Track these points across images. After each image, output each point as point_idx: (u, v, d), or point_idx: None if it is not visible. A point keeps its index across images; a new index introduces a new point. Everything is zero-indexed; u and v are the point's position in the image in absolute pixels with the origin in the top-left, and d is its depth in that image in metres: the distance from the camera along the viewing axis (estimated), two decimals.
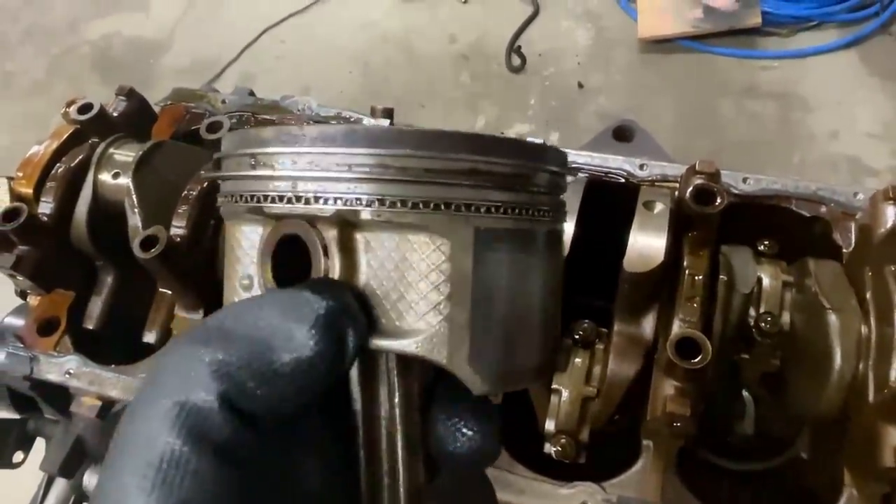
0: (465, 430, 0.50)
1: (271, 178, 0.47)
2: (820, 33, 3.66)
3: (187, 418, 0.39)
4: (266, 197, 0.47)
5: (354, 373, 0.50)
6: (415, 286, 0.46)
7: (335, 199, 0.45)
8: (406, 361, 0.49)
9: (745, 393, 1.23)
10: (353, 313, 0.45)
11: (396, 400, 0.50)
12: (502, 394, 0.70)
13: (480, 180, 0.46)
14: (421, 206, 0.45)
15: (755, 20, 3.60)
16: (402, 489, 0.50)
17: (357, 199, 0.45)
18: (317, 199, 0.46)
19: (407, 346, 0.46)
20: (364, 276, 0.47)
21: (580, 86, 3.61)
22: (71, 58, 4.28)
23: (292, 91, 4.24)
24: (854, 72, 3.57)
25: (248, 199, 0.48)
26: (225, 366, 0.40)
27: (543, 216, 0.50)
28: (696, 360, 0.85)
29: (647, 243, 0.92)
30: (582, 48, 3.78)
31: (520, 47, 3.69)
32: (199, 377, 0.40)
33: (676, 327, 0.90)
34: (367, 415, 0.50)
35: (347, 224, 0.47)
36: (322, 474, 0.49)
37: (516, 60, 3.64)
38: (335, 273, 0.47)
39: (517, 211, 0.48)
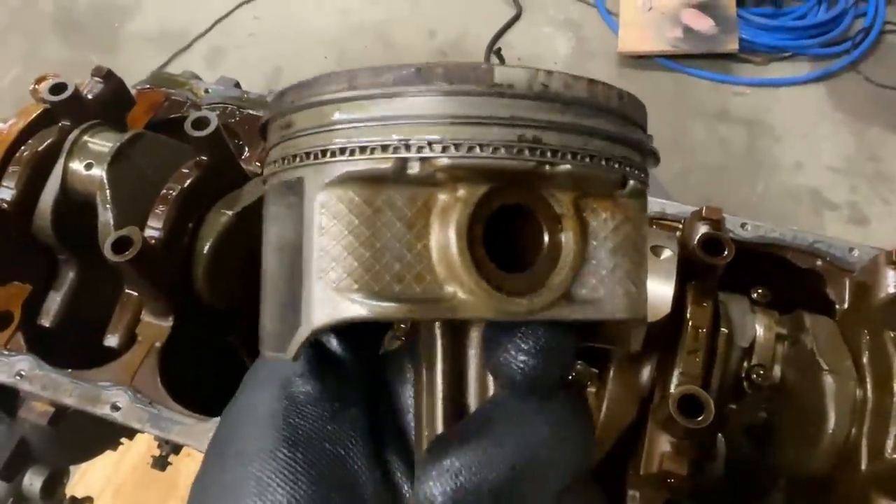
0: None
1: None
2: (793, 65, 3.73)
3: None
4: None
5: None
6: None
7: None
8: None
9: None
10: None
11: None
12: None
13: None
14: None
15: (732, 45, 3.64)
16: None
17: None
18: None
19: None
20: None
21: None
22: (31, 13, 4.05)
23: (262, 71, 4.07)
24: (822, 105, 3.64)
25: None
26: None
27: None
28: (700, 418, 0.82)
29: (653, 291, 0.89)
30: (561, 56, 3.77)
31: (499, 49, 3.65)
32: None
33: (677, 382, 0.87)
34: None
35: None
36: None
37: (495, 62, 3.60)
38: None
39: None
